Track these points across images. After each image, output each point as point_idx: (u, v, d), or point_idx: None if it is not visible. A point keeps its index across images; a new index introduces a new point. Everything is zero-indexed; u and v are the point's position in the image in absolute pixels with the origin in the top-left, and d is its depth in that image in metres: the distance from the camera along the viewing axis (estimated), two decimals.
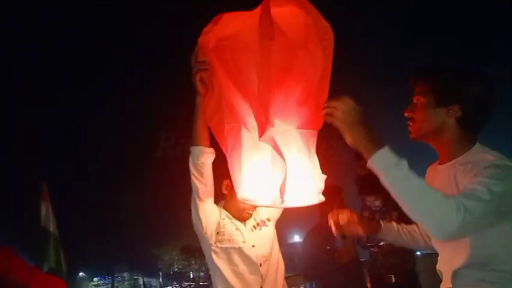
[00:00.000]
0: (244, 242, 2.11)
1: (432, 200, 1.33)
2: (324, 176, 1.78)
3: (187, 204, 2.11)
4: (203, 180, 1.99)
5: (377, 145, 1.41)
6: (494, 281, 1.43)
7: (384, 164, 1.39)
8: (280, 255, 2.26)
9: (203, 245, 2.14)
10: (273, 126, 1.67)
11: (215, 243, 2.08)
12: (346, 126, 1.48)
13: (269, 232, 2.22)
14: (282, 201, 1.63)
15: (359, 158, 2.98)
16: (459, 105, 1.52)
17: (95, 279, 40.40)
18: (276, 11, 1.68)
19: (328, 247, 3.47)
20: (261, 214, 2.24)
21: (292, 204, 1.69)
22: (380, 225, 1.94)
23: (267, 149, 1.69)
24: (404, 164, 1.37)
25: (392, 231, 1.94)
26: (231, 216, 2.16)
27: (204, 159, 1.96)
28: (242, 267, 2.07)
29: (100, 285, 39.54)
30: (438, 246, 1.68)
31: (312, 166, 1.74)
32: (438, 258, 1.69)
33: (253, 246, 2.12)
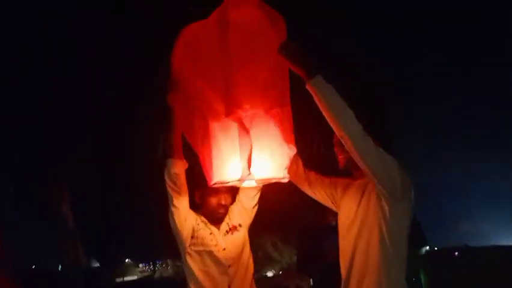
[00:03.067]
0: (216, 245, 2.29)
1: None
2: (292, 152, 1.95)
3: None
4: (177, 189, 2.20)
5: (313, 72, 1.76)
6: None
7: (323, 85, 1.74)
8: (251, 258, 2.44)
9: (180, 248, 2.31)
10: (242, 109, 1.87)
11: (189, 246, 2.27)
12: (290, 58, 1.82)
13: (240, 237, 2.40)
14: (249, 173, 1.83)
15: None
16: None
17: (141, 265, 41.89)
18: (234, 12, 1.94)
19: (323, 245, 3.52)
20: (233, 220, 2.42)
21: (259, 176, 1.89)
22: None
23: (235, 133, 1.88)
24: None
25: None
26: (206, 222, 2.35)
27: (177, 169, 2.17)
28: (212, 269, 2.26)
29: (144, 272, 40.96)
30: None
31: (278, 143, 1.92)
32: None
33: (224, 249, 2.30)
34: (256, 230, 2.54)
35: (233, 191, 2.34)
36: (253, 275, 2.40)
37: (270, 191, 2.36)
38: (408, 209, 1.84)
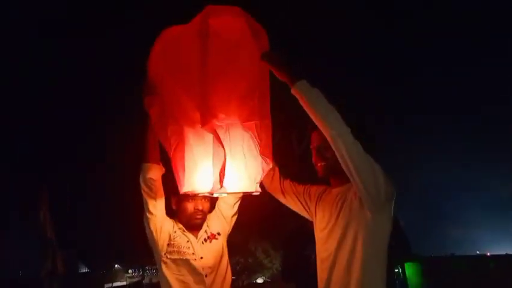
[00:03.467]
0: (193, 254, 2.24)
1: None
2: (268, 166, 1.94)
3: None
4: (152, 194, 2.16)
5: (298, 77, 1.79)
6: None
7: (309, 89, 1.76)
8: (229, 267, 2.39)
9: (155, 255, 2.27)
10: (217, 119, 1.84)
11: (165, 254, 2.22)
12: (273, 64, 1.87)
13: (218, 246, 2.35)
14: (221, 187, 1.80)
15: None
16: None
17: (130, 271, 41.60)
18: (214, 21, 1.92)
19: (306, 252, 3.52)
20: (212, 228, 2.39)
21: (230, 190, 1.85)
22: None
23: (209, 141, 1.85)
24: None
25: None
26: (184, 229, 2.31)
27: (152, 174, 2.13)
28: (188, 277, 2.20)
29: (134, 277, 40.68)
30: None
31: (253, 156, 1.90)
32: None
33: (201, 258, 2.25)
34: (247, 237, 2.51)
35: (210, 197, 2.29)
36: (231, 285, 2.36)
37: (260, 198, 2.33)
38: (390, 218, 1.82)
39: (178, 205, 2.32)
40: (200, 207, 2.29)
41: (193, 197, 2.23)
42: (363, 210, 1.78)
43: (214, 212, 2.44)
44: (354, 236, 1.79)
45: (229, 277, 2.35)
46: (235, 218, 2.45)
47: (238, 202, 2.40)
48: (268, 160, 1.94)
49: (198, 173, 1.87)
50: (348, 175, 1.74)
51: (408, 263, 5.76)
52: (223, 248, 2.38)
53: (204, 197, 2.26)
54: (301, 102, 1.78)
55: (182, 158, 1.89)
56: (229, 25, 1.95)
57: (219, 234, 2.39)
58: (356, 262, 1.76)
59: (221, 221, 2.42)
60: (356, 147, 1.69)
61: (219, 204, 2.43)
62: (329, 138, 1.73)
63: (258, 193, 1.98)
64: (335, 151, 1.73)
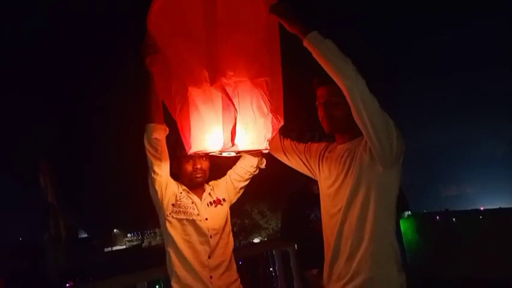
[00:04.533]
0: (198, 215, 2.27)
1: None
2: (279, 123, 1.92)
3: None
4: (157, 155, 2.13)
5: (309, 28, 1.73)
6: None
7: (321, 40, 1.70)
8: (231, 234, 2.41)
9: (159, 214, 2.28)
10: (225, 77, 1.79)
11: (170, 214, 2.24)
12: (284, 17, 1.81)
13: (223, 211, 2.38)
14: (233, 145, 1.78)
15: None
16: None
17: (129, 235, 42.30)
18: None
19: (308, 212, 3.56)
20: (218, 193, 2.41)
21: (241, 148, 1.83)
22: None
23: (217, 100, 1.81)
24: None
25: None
26: (188, 190, 2.32)
27: (157, 134, 2.10)
28: (194, 238, 2.23)
29: (133, 241, 41.39)
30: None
31: (262, 113, 1.87)
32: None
33: (206, 219, 2.27)
34: (243, 198, 2.53)
35: (206, 155, 2.25)
36: (232, 252, 2.37)
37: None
38: (400, 172, 1.82)
39: (178, 168, 2.32)
40: (199, 166, 2.29)
41: (190, 156, 2.22)
42: (375, 165, 1.77)
43: (223, 179, 2.46)
44: (366, 191, 1.78)
45: (231, 242, 2.38)
46: (242, 190, 2.46)
47: (251, 176, 2.41)
48: (279, 117, 1.92)
49: (207, 132, 1.84)
50: (362, 128, 1.71)
51: (402, 219, 5.86)
52: (227, 214, 2.40)
53: (202, 156, 2.26)
54: (314, 55, 1.72)
55: (189, 119, 1.86)
56: None
57: (224, 200, 2.40)
58: (369, 216, 1.77)
59: (229, 190, 2.43)
60: (372, 99, 1.65)
61: (230, 174, 2.43)
62: (344, 89, 1.69)
63: (267, 151, 1.97)
64: (350, 103, 1.69)
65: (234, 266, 2.37)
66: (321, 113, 1.96)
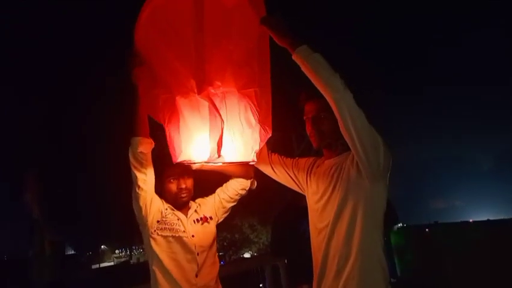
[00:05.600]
0: (184, 231, 2.20)
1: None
2: (267, 134, 1.91)
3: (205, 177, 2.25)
4: (142, 169, 2.08)
5: (299, 42, 1.74)
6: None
7: (310, 54, 1.71)
8: (217, 257, 2.35)
9: (142, 232, 2.21)
10: (212, 86, 1.78)
11: (155, 231, 2.16)
12: (273, 29, 1.81)
13: (210, 229, 2.32)
14: (219, 156, 1.76)
15: None
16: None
17: (117, 251, 41.70)
18: None
19: (299, 227, 3.55)
20: (205, 211, 2.35)
21: (228, 159, 1.82)
22: None
23: (204, 110, 1.79)
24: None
25: None
26: (173, 208, 2.26)
27: (142, 148, 2.05)
28: (180, 255, 2.15)
29: (121, 257, 40.77)
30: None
31: (250, 124, 1.85)
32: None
33: (192, 236, 2.21)
34: (233, 212, 2.50)
35: (190, 173, 2.24)
36: (218, 273, 2.31)
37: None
38: (387, 187, 1.80)
39: (161, 187, 2.26)
40: (183, 186, 2.24)
41: (173, 177, 2.20)
42: (362, 180, 1.75)
43: (211, 197, 2.41)
44: (353, 205, 1.77)
45: (217, 263, 2.32)
46: (230, 210, 2.43)
47: (239, 196, 2.38)
48: (268, 129, 1.90)
49: (194, 143, 1.82)
50: (349, 142, 1.70)
51: (393, 232, 5.88)
52: (214, 233, 2.35)
53: (186, 173, 2.22)
54: (303, 68, 1.72)
55: (177, 128, 1.83)
56: None
57: (211, 218, 2.35)
58: (357, 232, 1.75)
59: (217, 208, 2.39)
60: (359, 113, 1.65)
61: (220, 194, 2.39)
62: (331, 103, 1.68)
63: (254, 162, 1.95)
64: (337, 116, 1.68)
65: (220, 287, 2.32)
66: (309, 128, 1.95)
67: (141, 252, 37.41)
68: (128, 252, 39.51)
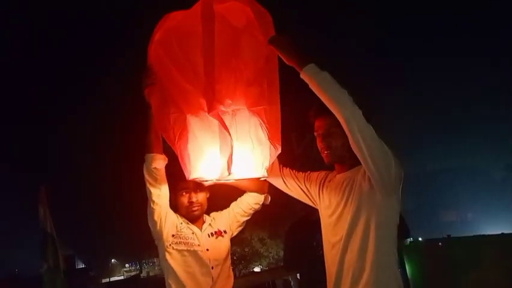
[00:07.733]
0: (199, 245, 2.24)
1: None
2: (277, 151, 1.93)
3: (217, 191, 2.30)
4: (156, 185, 2.13)
5: (306, 61, 1.76)
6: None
7: (318, 73, 1.74)
8: (231, 271, 2.38)
9: (158, 246, 2.26)
10: (223, 104, 1.82)
11: (170, 245, 2.20)
12: (281, 48, 1.84)
13: (224, 243, 2.35)
14: (230, 173, 1.79)
15: None
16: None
17: (127, 265, 41.61)
18: (218, 5, 1.89)
19: (312, 241, 3.53)
20: (219, 224, 2.38)
21: (238, 176, 1.85)
22: None
23: (214, 128, 1.83)
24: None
25: None
26: (188, 222, 2.30)
27: (156, 164, 2.10)
28: (195, 269, 2.19)
29: (131, 271, 40.66)
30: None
31: (260, 141, 1.88)
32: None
33: (207, 250, 2.24)
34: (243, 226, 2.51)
35: (202, 188, 2.27)
36: (232, 287, 2.34)
37: None
38: (399, 200, 1.82)
39: (175, 200, 2.30)
40: (194, 199, 2.27)
41: (184, 191, 2.25)
42: (374, 194, 1.76)
43: (226, 211, 2.44)
44: (366, 219, 1.77)
45: (232, 278, 2.35)
46: (244, 224, 2.46)
47: (253, 210, 2.41)
48: (277, 145, 1.93)
49: (204, 160, 1.85)
50: (360, 157, 1.72)
51: (404, 246, 5.79)
52: (228, 247, 2.37)
53: (198, 187, 2.25)
54: (311, 86, 1.75)
55: (187, 146, 1.87)
56: (233, 9, 1.92)
57: (225, 232, 2.38)
58: (370, 245, 1.75)
59: (232, 223, 2.41)
60: (369, 129, 1.68)
61: (234, 208, 2.42)
62: (341, 120, 1.70)
63: (265, 178, 1.98)
64: (347, 133, 1.70)
65: None
66: (319, 144, 1.96)
67: (151, 265, 37.31)
68: (138, 266, 39.41)
